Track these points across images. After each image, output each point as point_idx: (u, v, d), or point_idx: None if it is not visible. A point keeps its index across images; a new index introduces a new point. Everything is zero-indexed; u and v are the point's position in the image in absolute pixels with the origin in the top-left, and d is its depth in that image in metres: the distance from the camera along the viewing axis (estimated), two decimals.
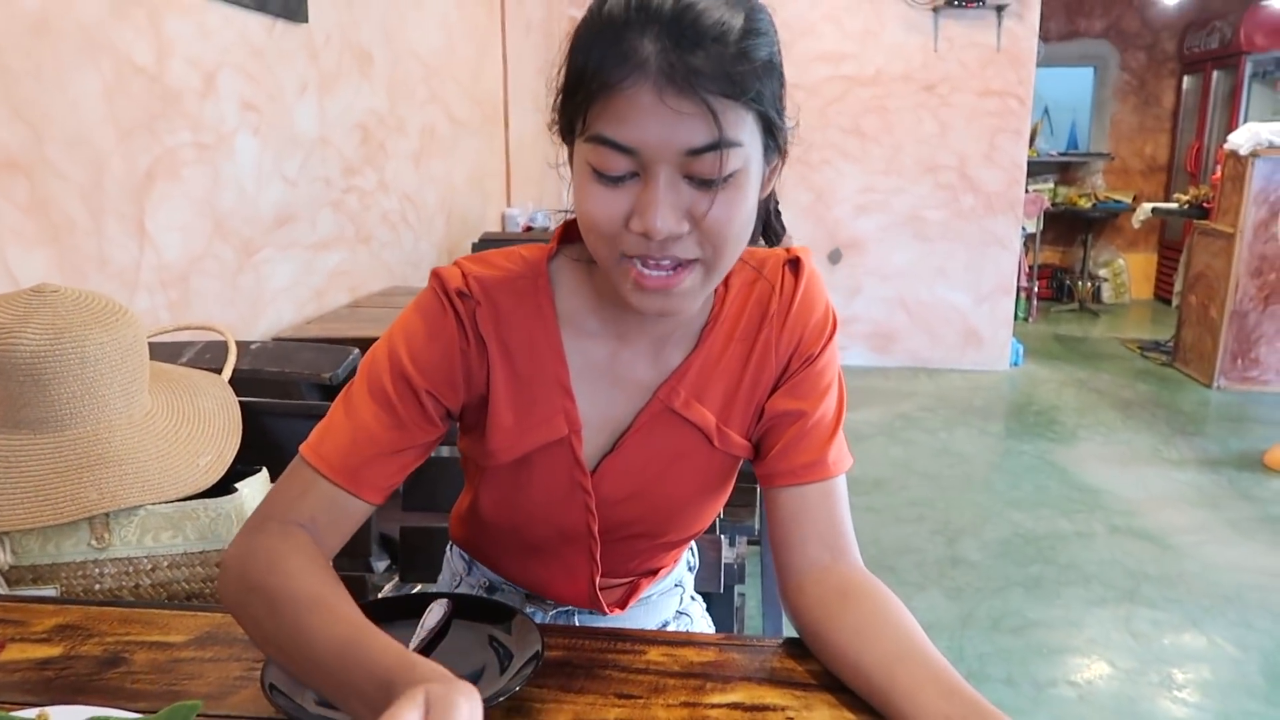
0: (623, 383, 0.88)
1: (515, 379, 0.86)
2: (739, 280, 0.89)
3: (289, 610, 0.72)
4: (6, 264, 1.55)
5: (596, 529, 0.90)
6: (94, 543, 1.02)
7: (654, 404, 0.87)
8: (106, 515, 1.03)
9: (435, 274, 0.85)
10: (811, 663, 0.83)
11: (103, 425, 1.05)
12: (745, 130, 0.71)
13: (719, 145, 0.69)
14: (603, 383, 0.87)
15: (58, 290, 1.08)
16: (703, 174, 0.70)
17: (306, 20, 2.50)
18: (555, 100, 0.76)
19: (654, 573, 1.03)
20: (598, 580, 0.93)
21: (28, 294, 1.07)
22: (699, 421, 0.88)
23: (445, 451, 1.65)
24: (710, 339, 0.88)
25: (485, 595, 1.03)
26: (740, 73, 0.68)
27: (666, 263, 0.73)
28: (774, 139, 0.76)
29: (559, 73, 0.74)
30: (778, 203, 0.92)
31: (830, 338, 0.90)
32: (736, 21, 0.69)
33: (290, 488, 0.84)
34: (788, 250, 0.91)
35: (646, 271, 0.73)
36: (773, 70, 0.73)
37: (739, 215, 0.73)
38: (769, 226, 0.91)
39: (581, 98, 0.71)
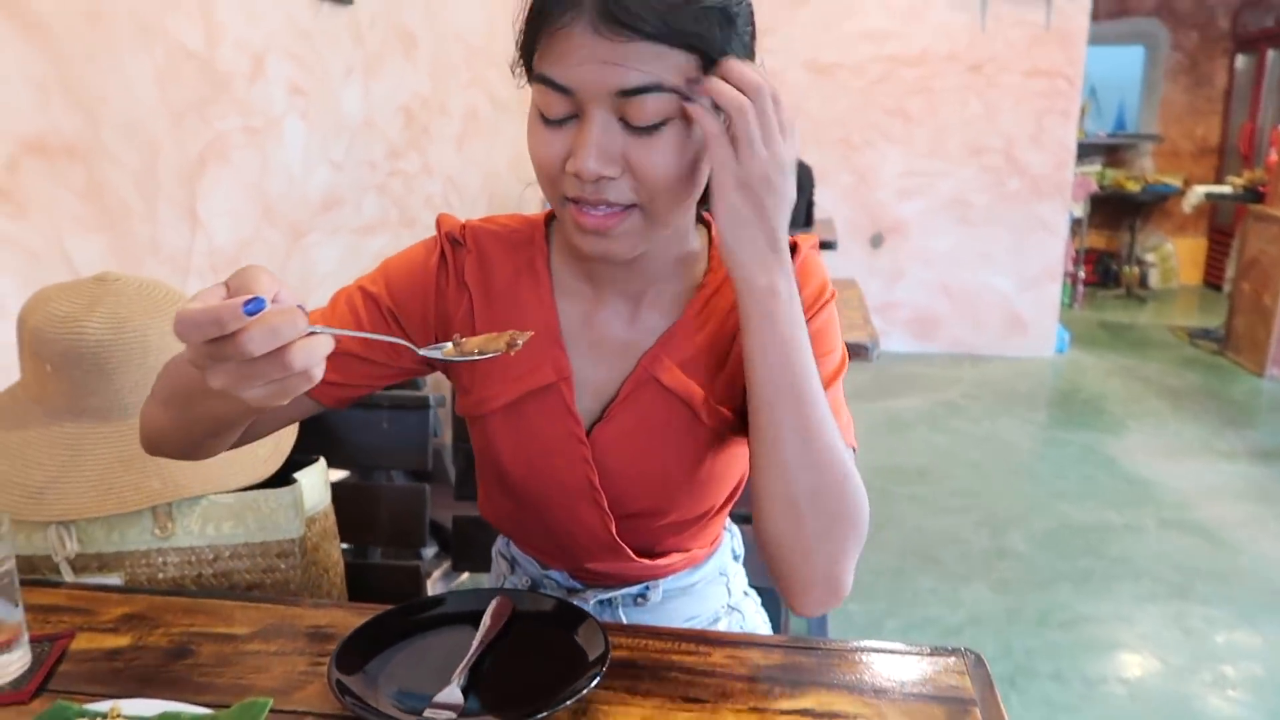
0: (604, 345, 0.88)
1: (499, 328, 0.87)
2: None
3: (168, 368, 0.81)
4: (65, 252, 1.57)
5: (597, 480, 0.88)
6: (157, 532, 1.02)
7: (639, 371, 0.87)
8: (169, 505, 1.03)
9: (439, 219, 0.92)
10: (884, 669, 0.82)
11: None
12: (685, 77, 0.71)
13: (650, 89, 0.69)
14: (584, 343, 0.89)
15: (120, 279, 1.08)
16: (632, 118, 0.71)
17: (351, 2, 2.50)
18: (516, 45, 0.77)
19: (684, 548, 1.00)
20: (614, 528, 0.91)
21: (91, 283, 1.08)
22: (683, 393, 0.87)
23: None
24: (696, 307, 0.88)
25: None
26: (679, 16, 0.69)
27: (602, 207, 0.74)
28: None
29: (521, 16, 0.76)
30: None
31: (818, 308, 0.87)
32: None
33: None
34: (791, 238, 0.89)
35: (584, 210, 0.75)
36: (727, 19, 0.72)
37: (674, 162, 0.73)
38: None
39: (530, 38, 0.74)
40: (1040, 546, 2.99)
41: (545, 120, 0.74)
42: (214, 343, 0.57)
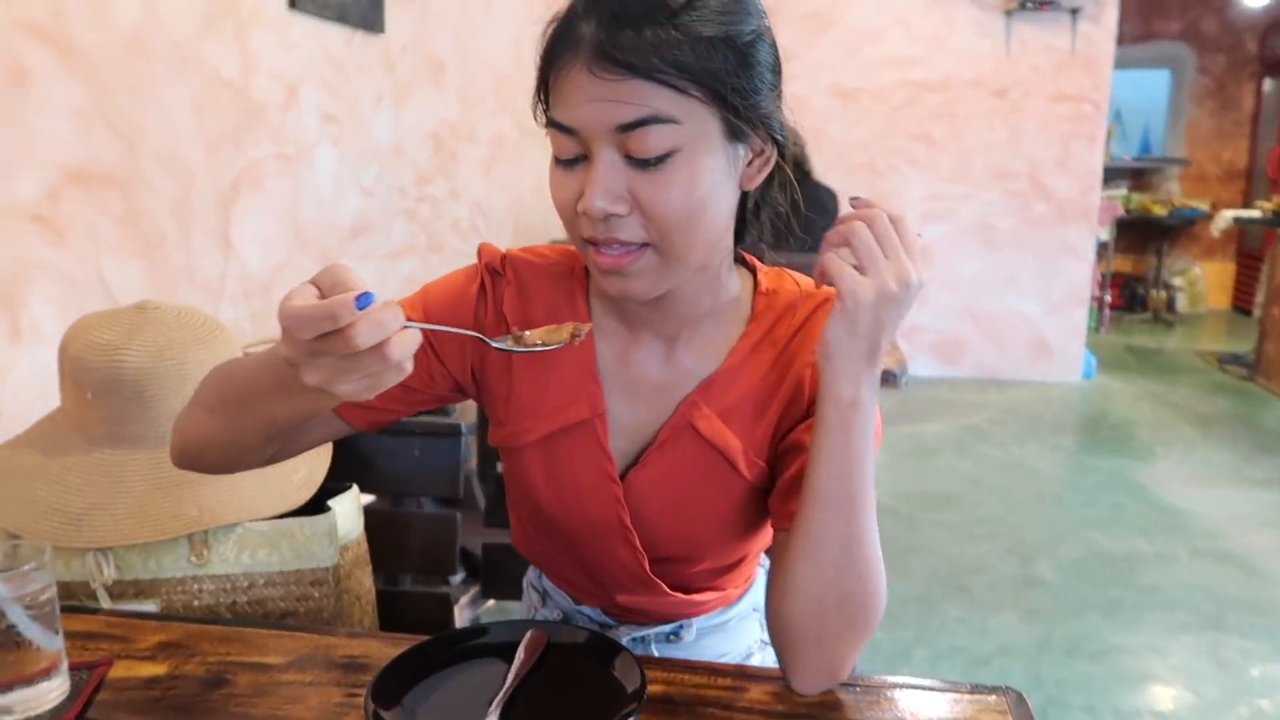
0: (639, 385, 0.88)
1: (536, 360, 0.88)
2: (781, 302, 0.88)
3: (218, 376, 0.83)
4: (103, 277, 1.59)
5: (629, 519, 0.88)
6: (193, 559, 1.03)
7: (676, 418, 0.87)
8: (205, 532, 1.04)
9: (480, 248, 0.92)
10: (923, 707, 0.81)
11: None
12: (685, 108, 0.71)
13: (646, 121, 0.70)
14: (619, 382, 0.88)
15: (159, 308, 1.10)
16: (634, 152, 0.71)
17: (383, 31, 2.54)
18: (534, 93, 0.79)
19: (719, 587, 1.00)
20: (647, 565, 0.91)
21: (131, 311, 1.09)
22: (720, 443, 0.86)
23: None
24: (738, 357, 0.87)
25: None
26: (675, 52, 0.69)
27: (616, 246, 0.75)
28: (740, 123, 0.74)
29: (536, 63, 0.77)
30: (778, 203, 0.87)
31: None
32: None
33: None
34: None
35: (600, 250, 0.75)
36: (736, 52, 0.72)
37: (681, 197, 0.73)
38: (745, 225, 0.87)
39: (540, 85, 0.77)
40: (1069, 575, 2.95)
41: (558, 162, 0.76)
42: (320, 338, 0.58)
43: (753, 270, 0.92)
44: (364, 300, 0.57)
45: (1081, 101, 5.12)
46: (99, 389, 1.03)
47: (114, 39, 1.60)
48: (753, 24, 0.74)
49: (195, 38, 1.80)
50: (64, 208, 1.52)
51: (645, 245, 0.75)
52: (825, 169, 4.84)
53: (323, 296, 0.59)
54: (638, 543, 0.89)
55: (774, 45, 0.78)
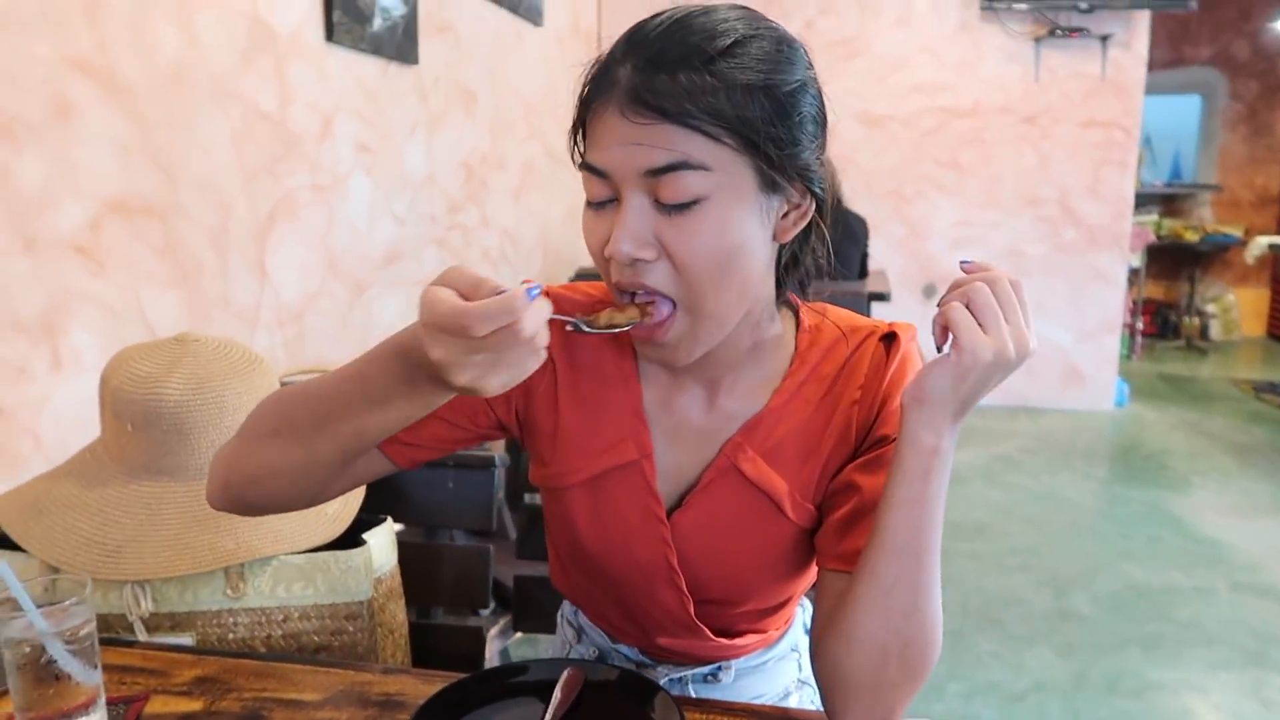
0: (682, 429, 0.87)
1: (583, 401, 0.87)
2: (825, 339, 0.87)
3: (284, 399, 0.80)
4: (141, 306, 1.61)
5: (676, 561, 0.87)
6: (229, 592, 1.03)
7: (720, 460, 0.85)
8: (241, 565, 1.04)
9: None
10: None
11: None
12: (717, 156, 0.70)
13: (676, 166, 0.69)
14: (663, 425, 0.87)
15: (199, 340, 1.11)
16: (663, 197, 0.71)
17: (417, 62, 2.57)
18: (570, 136, 0.79)
19: (761, 630, 0.99)
20: (692, 609, 0.90)
21: (171, 343, 1.10)
22: (766, 485, 0.85)
23: None
24: (783, 398, 0.85)
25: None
26: (706, 94, 0.68)
27: (642, 294, 0.74)
28: (774, 174, 0.73)
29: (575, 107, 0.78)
30: (818, 254, 0.86)
31: None
32: (717, 44, 0.70)
33: None
34: (889, 324, 0.88)
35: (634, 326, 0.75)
36: (769, 98, 0.71)
37: (708, 245, 0.72)
38: (781, 276, 0.85)
39: (576, 127, 0.77)
40: (1106, 609, 2.90)
41: (590, 205, 0.76)
42: (487, 335, 0.58)
43: (794, 307, 0.91)
44: (533, 292, 0.59)
45: (1112, 128, 5.08)
46: (139, 421, 1.04)
47: (156, 72, 1.63)
48: (797, 75, 0.73)
49: (235, 71, 1.82)
50: (105, 238, 1.54)
51: (674, 308, 0.74)
52: (852, 195, 4.83)
53: (465, 296, 0.60)
54: (683, 585, 0.88)
55: (819, 97, 0.77)
